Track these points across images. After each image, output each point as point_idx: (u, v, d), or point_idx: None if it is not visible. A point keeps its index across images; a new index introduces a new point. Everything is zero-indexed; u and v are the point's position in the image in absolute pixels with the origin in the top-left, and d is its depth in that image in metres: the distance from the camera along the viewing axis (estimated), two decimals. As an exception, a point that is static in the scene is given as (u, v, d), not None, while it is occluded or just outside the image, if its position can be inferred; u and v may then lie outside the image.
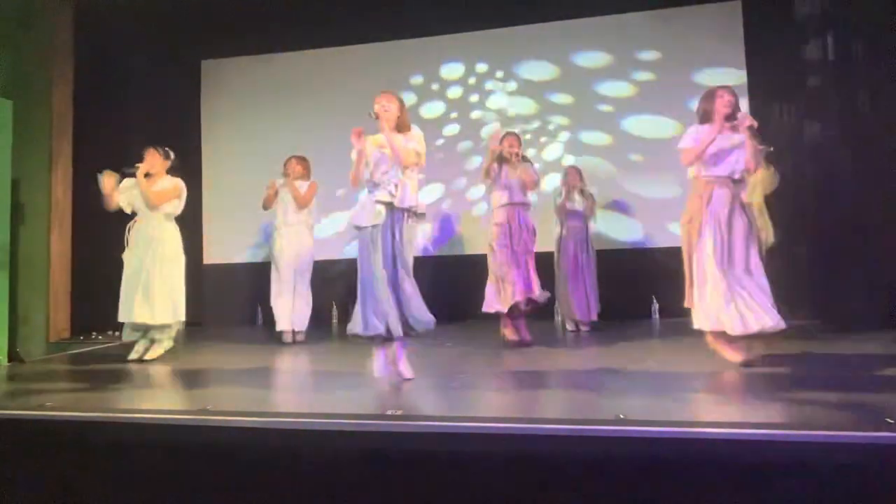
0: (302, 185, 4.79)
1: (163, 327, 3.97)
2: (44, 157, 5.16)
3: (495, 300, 4.10)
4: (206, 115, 6.82)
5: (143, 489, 2.34)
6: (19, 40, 5.08)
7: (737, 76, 5.65)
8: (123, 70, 6.11)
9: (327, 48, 6.58)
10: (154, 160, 4.05)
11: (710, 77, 5.65)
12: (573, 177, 4.94)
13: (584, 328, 4.81)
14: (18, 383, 3.59)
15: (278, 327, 4.69)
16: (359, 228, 3.01)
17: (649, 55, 5.88)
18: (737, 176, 3.23)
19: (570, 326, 4.89)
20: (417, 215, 3.03)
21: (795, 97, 5.45)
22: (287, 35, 6.42)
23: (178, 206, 4.11)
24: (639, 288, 5.52)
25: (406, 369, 3.00)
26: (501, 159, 4.15)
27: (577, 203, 4.88)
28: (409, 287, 2.98)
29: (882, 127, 4.50)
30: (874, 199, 4.62)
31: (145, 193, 3.96)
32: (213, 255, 6.72)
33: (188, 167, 6.63)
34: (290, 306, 4.67)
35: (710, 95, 3.31)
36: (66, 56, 5.48)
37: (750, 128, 3.18)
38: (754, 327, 2.99)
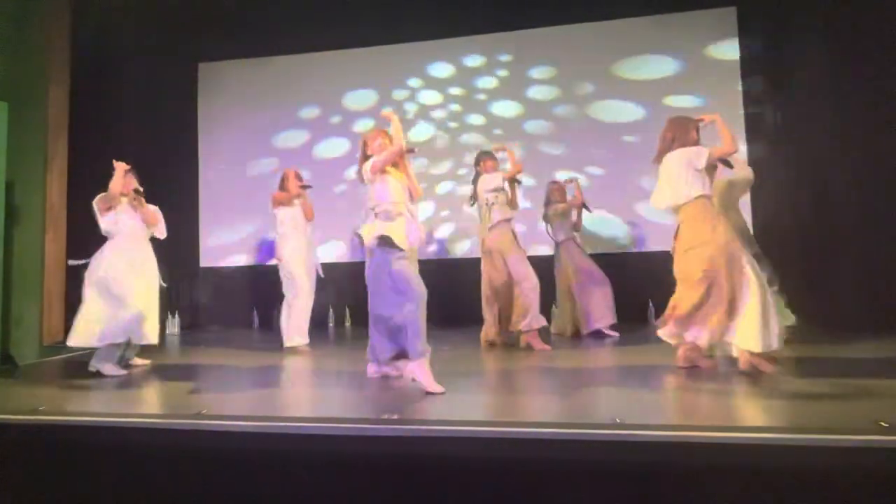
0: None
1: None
2: (39, 159, 5.14)
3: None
4: (202, 118, 6.82)
5: (138, 493, 2.33)
6: (15, 42, 5.07)
7: (732, 81, 5.70)
8: (120, 72, 6.10)
9: (324, 51, 6.60)
10: (130, 180, 3.94)
11: (705, 83, 5.71)
12: (560, 190, 5.05)
13: (609, 333, 4.76)
14: (12, 386, 3.56)
15: (294, 342, 4.48)
16: (394, 249, 3.02)
17: (644, 60, 5.92)
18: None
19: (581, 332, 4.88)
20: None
21: (790, 102, 5.50)
22: (284, 38, 6.43)
23: (164, 228, 4.07)
24: (635, 292, 5.54)
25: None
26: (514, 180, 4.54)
27: (574, 213, 5.02)
28: None
29: (876, 131, 4.53)
30: (869, 202, 4.65)
31: (147, 212, 3.92)
32: (210, 258, 6.71)
33: (185, 170, 6.67)
34: (307, 318, 4.59)
35: (683, 125, 3.37)
36: (62, 58, 5.47)
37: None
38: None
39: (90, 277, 3.77)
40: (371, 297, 3.16)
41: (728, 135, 3.28)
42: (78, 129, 5.55)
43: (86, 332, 3.67)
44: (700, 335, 3.16)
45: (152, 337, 3.87)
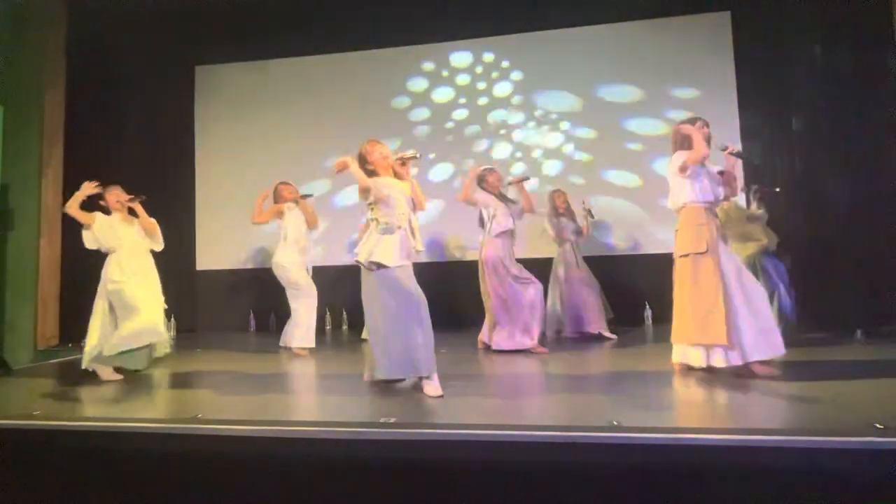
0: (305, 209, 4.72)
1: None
2: (34, 162, 5.12)
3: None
4: (199, 122, 6.81)
5: (134, 498, 2.32)
6: (11, 45, 5.06)
7: (726, 85, 5.72)
8: (116, 76, 6.09)
9: (321, 55, 6.60)
10: (120, 195, 3.94)
11: (700, 88, 5.73)
12: (562, 198, 5.09)
13: (608, 336, 4.78)
14: (5, 391, 3.54)
15: (302, 343, 4.47)
16: (384, 266, 2.98)
17: (640, 65, 5.95)
18: (719, 200, 3.31)
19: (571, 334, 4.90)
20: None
21: (784, 106, 5.53)
22: (281, 41, 6.43)
23: (161, 240, 4.08)
24: (632, 295, 5.55)
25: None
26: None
27: (580, 221, 5.11)
28: None
29: (870, 135, 4.57)
30: (864, 206, 4.68)
31: (145, 221, 3.94)
32: (206, 261, 6.68)
33: (181, 173, 6.65)
34: (313, 322, 4.59)
35: (679, 129, 3.31)
36: (58, 61, 5.46)
37: (735, 154, 3.31)
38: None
39: (101, 291, 3.81)
40: (366, 312, 3.11)
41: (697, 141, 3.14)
42: (73, 133, 5.54)
43: (104, 344, 3.70)
44: (728, 355, 3.04)
45: (161, 336, 3.98)
